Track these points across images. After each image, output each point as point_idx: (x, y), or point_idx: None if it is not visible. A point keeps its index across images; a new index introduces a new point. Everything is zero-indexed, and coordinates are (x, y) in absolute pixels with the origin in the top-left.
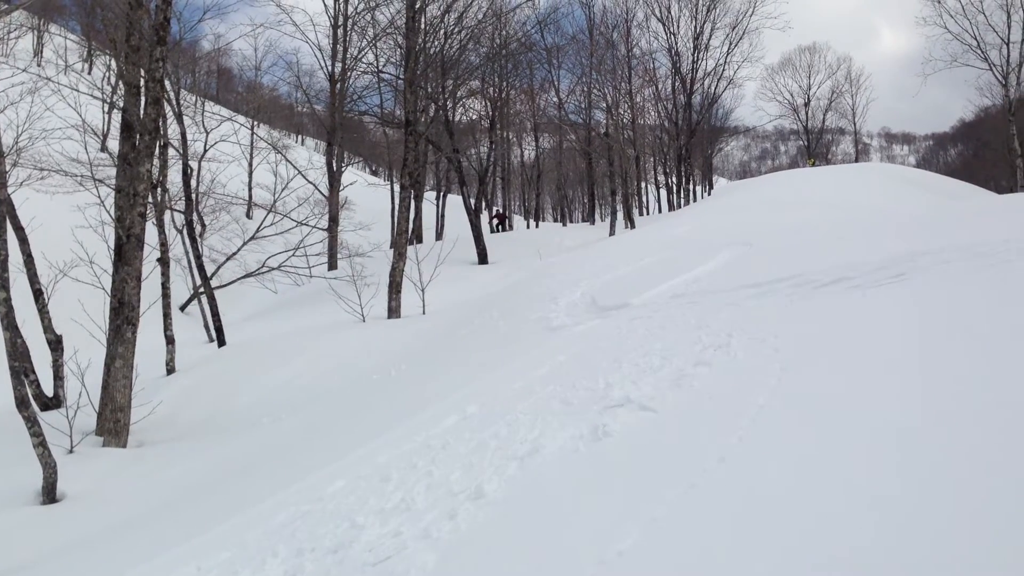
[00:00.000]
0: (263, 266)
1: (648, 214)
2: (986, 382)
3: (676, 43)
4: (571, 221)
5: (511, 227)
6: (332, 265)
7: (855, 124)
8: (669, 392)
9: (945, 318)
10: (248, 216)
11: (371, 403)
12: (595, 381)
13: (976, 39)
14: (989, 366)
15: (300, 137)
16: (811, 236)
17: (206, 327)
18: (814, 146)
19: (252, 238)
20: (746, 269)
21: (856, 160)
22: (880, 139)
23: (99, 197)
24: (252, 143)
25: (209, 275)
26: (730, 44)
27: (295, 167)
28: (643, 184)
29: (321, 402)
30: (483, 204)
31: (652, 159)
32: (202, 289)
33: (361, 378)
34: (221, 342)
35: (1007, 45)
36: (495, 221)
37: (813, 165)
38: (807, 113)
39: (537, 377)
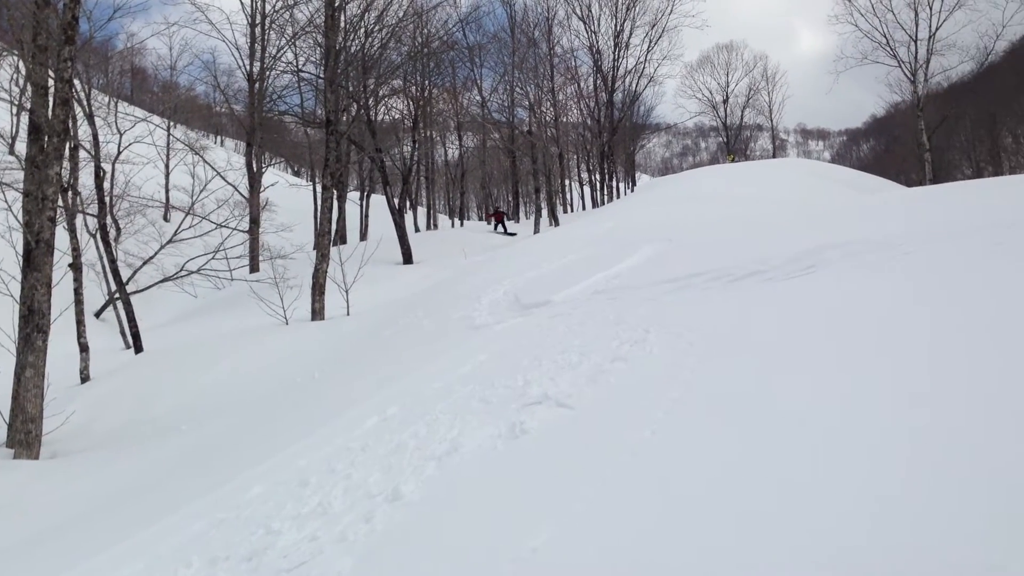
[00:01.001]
0: (182, 270)
1: (572, 211)
2: (889, 372)
3: (597, 41)
4: None
5: (508, 230)
6: (254, 268)
7: (772, 120)
8: (586, 388)
9: (848, 309)
10: (165, 219)
11: (293, 407)
12: (515, 379)
13: (885, 36)
14: (890, 356)
15: (219, 138)
16: (728, 231)
17: (122, 333)
18: (733, 142)
19: (170, 241)
20: (665, 264)
21: (774, 156)
22: (796, 135)
23: (6, 202)
24: (168, 144)
25: (125, 280)
26: (650, 42)
27: (214, 168)
28: (567, 181)
29: (243, 407)
30: (407, 203)
31: (575, 156)
32: (117, 295)
33: (284, 382)
34: (138, 348)
35: (915, 42)
36: (493, 221)
37: (733, 161)
38: (726, 110)
39: (458, 376)
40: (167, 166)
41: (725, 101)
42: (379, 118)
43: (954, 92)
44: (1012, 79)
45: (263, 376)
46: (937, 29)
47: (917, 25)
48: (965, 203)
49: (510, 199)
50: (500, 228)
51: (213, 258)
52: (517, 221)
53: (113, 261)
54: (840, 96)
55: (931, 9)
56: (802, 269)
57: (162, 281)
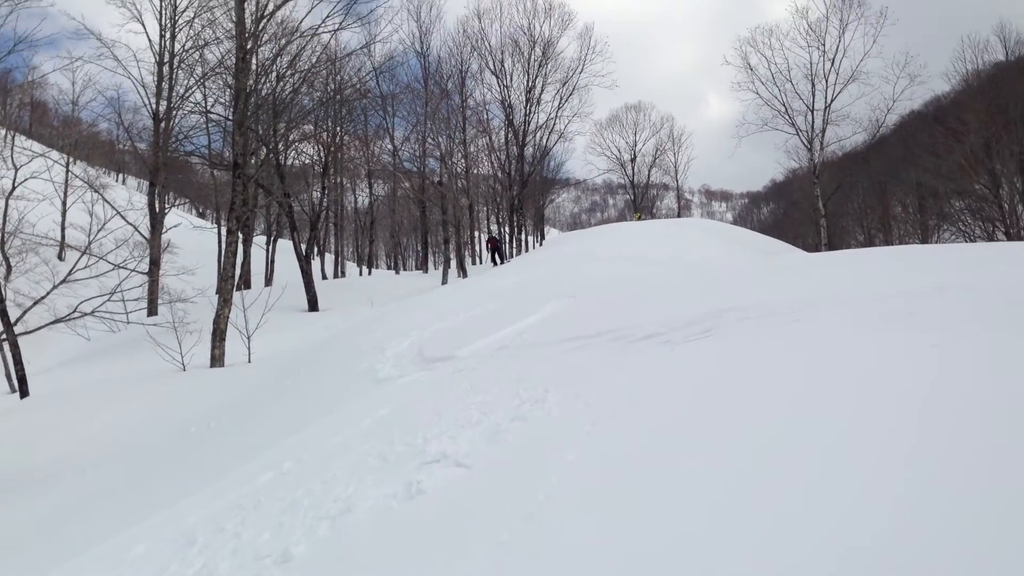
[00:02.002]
0: (75, 311)
1: (481, 263)
2: (777, 435)
3: (509, 96)
4: (404, 269)
5: (504, 258)
6: (152, 311)
7: (677, 180)
8: (484, 447)
9: (741, 373)
10: (60, 258)
11: (185, 457)
12: (414, 436)
13: (785, 105)
14: (779, 420)
15: (121, 176)
16: (632, 289)
17: (8, 376)
18: (640, 200)
19: (63, 281)
20: (569, 322)
21: (679, 215)
22: (701, 195)
23: None
24: (67, 181)
25: (13, 320)
26: (561, 99)
27: (113, 207)
28: (476, 233)
29: (131, 457)
30: (315, 249)
31: (485, 208)
32: (4, 336)
33: (177, 431)
34: (24, 392)
35: (812, 112)
36: (490, 247)
37: (639, 219)
38: (633, 168)
39: (358, 431)
40: (64, 203)
41: (633, 160)
42: (289, 162)
43: (848, 161)
44: (901, 151)
45: (155, 424)
46: (832, 100)
47: (814, 96)
48: (859, 270)
49: (419, 249)
50: (496, 258)
51: (109, 300)
52: (426, 271)
53: (1, 300)
54: (743, 160)
55: (827, 81)
56: (700, 332)
57: (54, 322)
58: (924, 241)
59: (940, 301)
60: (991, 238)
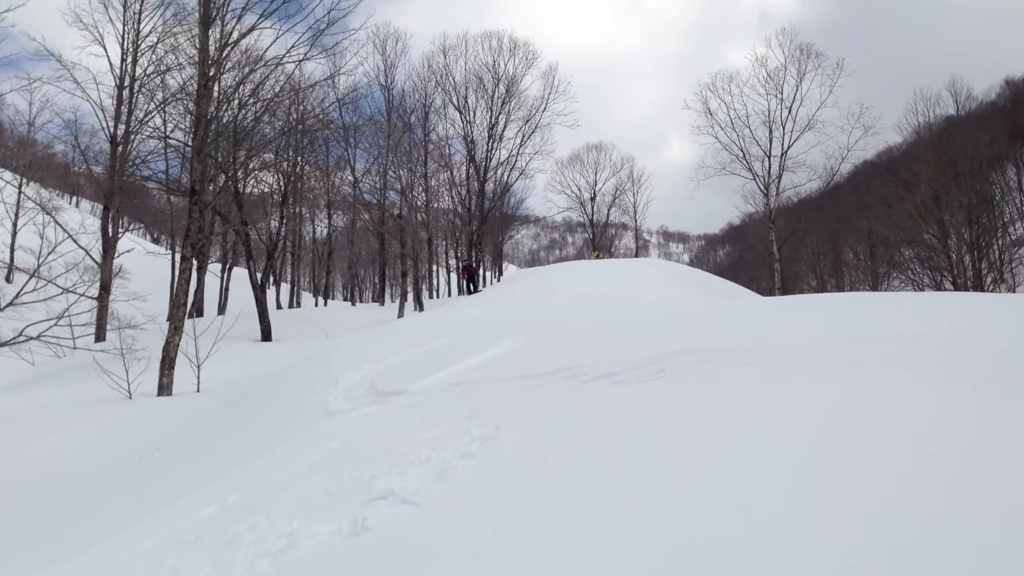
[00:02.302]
0: (20, 335)
1: (438, 297)
2: (727, 477)
3: (472, 131)
4: (361, 301)
5: (477, 287)
6: (100, 337)
7: (636, 221)
8: (433, 485)
9: (692, 415)
10: (8, 280)
11: (127, 488)
12: (362, 471)
13: (742, 150)
14: (730, 463)
15: (75, 199)
16: (588, 328)
17: None
18: (599, 239)
19: (10, 304)
20: (524, 359)
21: (636, 254)
22: (659, 236)
23: None
24: (19, 202)
25: None
26: (523, 136)
27: (65, 230)
28: (435, 267)
29: (71, 486)
30: (270, 279)
31: (445, 242)
32: None
33: (120, 460)
34: None
35: (768, 158)
36: (464, 275)
37: (598, 257)
38: (593, 207)
39: (306, 464)
40: (15, 225)
41: (592, 199)
42: (248, 190)
43: (803, 207)
44: (854, 199)
45: (99, 452)
46: (789, 147)
47: (771, 142)
48: (811, 316)
49: (376, 281)
50: (470, 286)
51: (56, 324)
52: (382, 304)
53: None
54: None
55: (784, 128)
56: (653, 373)
57: None
58: (874, 288)
59: (885, 349)
60: (939, 287)
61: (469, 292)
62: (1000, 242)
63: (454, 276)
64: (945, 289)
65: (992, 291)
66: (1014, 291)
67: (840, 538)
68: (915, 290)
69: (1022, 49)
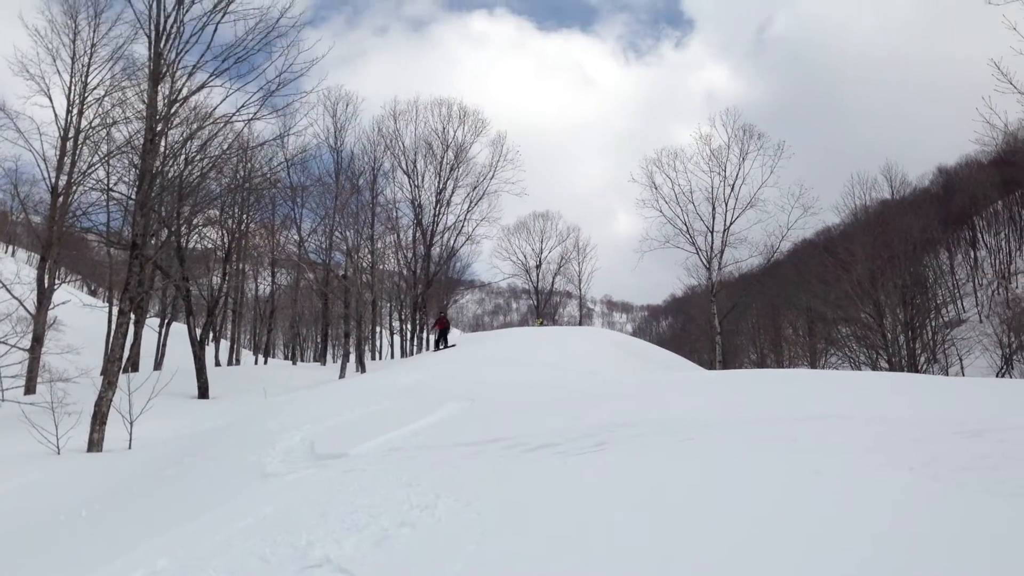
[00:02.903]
0: None
1: (381, 358)
2: (663, 550)
3: (420, 196)
4: (302, 360)
5: (447, 341)
6: (29, 389)
7: (580, 289)
8: (370, 553)
9: (630, 489)
10: None
11: (50, 550)
12: (298, 537)
13: (686, 224)
14: (666, 539)
15: (11, 248)
16: (530, 397)
17: None
18: (543, 306)
19: None
20: (465, 426)
21: (580, 323)
22: (603, 305)
23: None
24: None
25: None
26: (470, 203)
27: None
28: (378, 328)
29: None
30: (210, 335)
31: (389, 304)
32: None
33: (44, 519)
34: None
35: (711, 233)
36: (437, 328)
37: (541, 324)
38: (538, 275)
39: (239, 529)
40: None
41: (538, 266)
42: (190, 246)
43: (744, 282)
44: (793, 276)
45: (21, 510)
46: (731, 224)
47: (714, 218)
48: (750, 393)
49: (318, 341)
50: (441, 342)
51: None
52: (324, 363)
53: None
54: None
55: (727, 205)
56: (593, 445)
57: None
58: (812, 364)
59: (822, 429)
60: (875, 366)
61: (438, 347)
62: (933, 323)
63: (397, 339)
64: (881, 367)
65: (925, 371)
66: (946, 372)
67: None
68: (852, 367)
69: (954, 139)
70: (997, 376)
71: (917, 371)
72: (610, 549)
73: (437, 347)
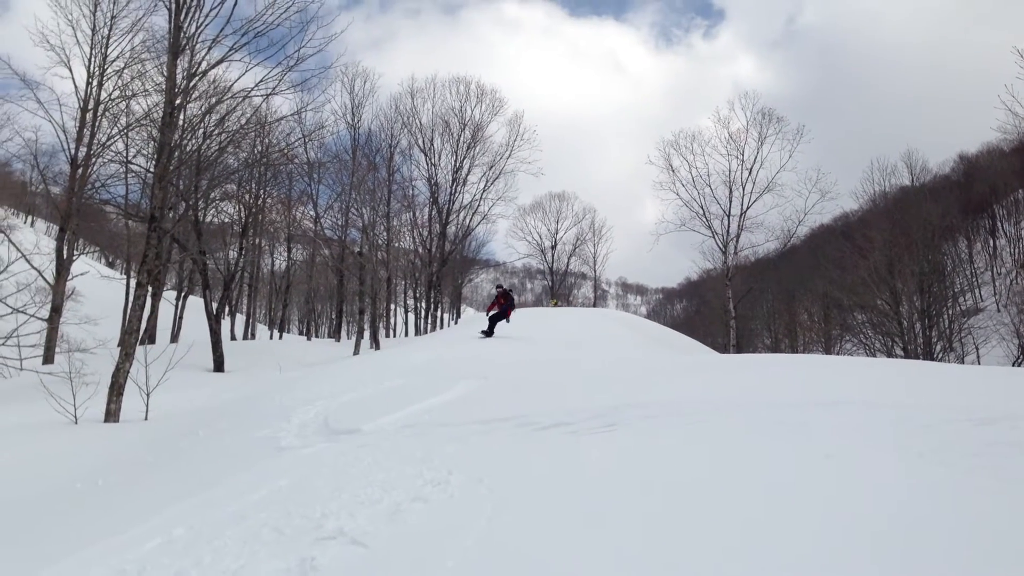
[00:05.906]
0: None
1: (395, 336)
2: (672, 533)
3: (436, 174)
4: (317, 336)
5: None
6: (48, 359)
7: (595, 271)
8: (383, 526)
9: (640, 469)
10: None
11: (67, 516)
12: (312, 509)
13: (703, 208)
14: (672, 518)
15: (31, 218)
16: (544, 376)
17: None
18: (558, 287)
19: None
20: (478, 404)
21: (594, 304)
22: (618, 287)
23: None
24: None
25: None
26: (487, 182)
27: (19, 249)
28: (392, 306)
29: (11, 512)
30: (226, 309)
31: (404, 282)
32: None
33: (61, 487)
34: None
35: (728, 217)
36: (501, 303)
37: (556, 305)
38: (553, 255)
39: (254, 500)
40: None
41: (553, 247)
42: (208, 220)
43: (760, 266)
44: (810, 261)
45: (39, 478)
46: (748, 208)
47: (731, 202)
48: (763, 377)
49: (333, 317)
50: (497, 318)
51: (3, 344)
52: (338, 340)
53: None
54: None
55: (744, 189)
56: (604, 425)
57: None
58: (827, 350)
59: (835, 414)
60: (890, 353)
61: (491, 326)
62: (950, 312)
63: (412, 316)
64: (896, 355)
65: (941, 359)
66: (962, 361)
67: None
68: (867, 354)
69: (976, 127)
70: (1013, 365)
71: (933, 359)
72: (620, 526)
73: (491, 329)
